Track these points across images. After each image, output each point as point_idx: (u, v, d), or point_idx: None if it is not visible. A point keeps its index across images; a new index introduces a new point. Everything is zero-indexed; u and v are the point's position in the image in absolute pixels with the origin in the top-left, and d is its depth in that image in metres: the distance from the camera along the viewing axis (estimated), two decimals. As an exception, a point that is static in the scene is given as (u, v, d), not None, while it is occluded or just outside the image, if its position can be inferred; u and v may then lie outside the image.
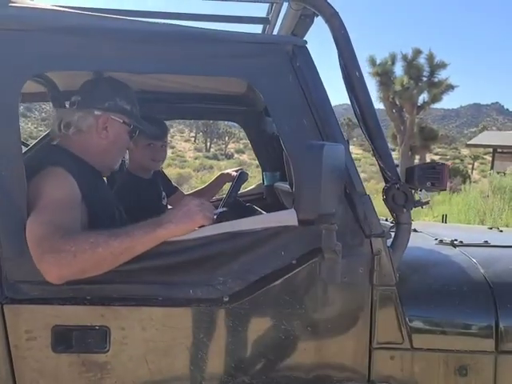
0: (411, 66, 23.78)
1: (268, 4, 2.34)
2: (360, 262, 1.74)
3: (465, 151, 55.68)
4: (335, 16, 1.77)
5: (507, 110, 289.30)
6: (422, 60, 24.12)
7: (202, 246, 1.71)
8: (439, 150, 60.86)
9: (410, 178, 1.80)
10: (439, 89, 23.83)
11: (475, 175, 29.61)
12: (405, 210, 1.77)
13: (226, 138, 57.89)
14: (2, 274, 1.68)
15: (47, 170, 1.74)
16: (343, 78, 1.82)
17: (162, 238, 1.64)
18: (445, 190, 1.83)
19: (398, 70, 24.51)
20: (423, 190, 1.79)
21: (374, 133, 1.81)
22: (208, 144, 62.34)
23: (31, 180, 1.70)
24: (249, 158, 41.95)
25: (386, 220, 2.73)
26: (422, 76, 23.85)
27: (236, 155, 46.19)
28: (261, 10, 2.46)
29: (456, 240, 2.21)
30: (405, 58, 24.04)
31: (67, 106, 2.21)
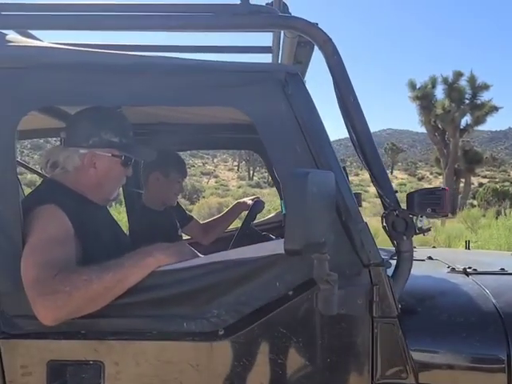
0: (452, 88, 23.51)
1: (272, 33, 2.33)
2: (358, 292, 1.67)
3: (515, 174, 54.26)
4: (328, 42, 1.74)
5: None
6: (463, 82, 23.82)
7: (195, 277, 1.68)
8: (487, 172, 59.47)
9: (411, 204, 1.73)
10: (482, 111, 23.43)
11: (525, 198, 28.60)
12: (405, 237, 1.70)
13: (270, 166, 58.00)
14: (-1, 308, 1.69)
15: (39, 208, 1.75)
16: (338, 104, 1.79)
17: (152, 266, 1.65)
18: (446, 215, 1.76)
19: (439, 93, 24.24)
20: (424, 217, 1.72)
21: (371, 158, 1.76)
22: (251, 172, 62.72)
23: (24, 217, 1.71)
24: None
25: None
26: (464, 98, 23.53)
27: (279, 183, 46.12)
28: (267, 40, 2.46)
29: (470, 267, 2.11)
30: (445, 80, 23.80)
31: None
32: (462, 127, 23.95)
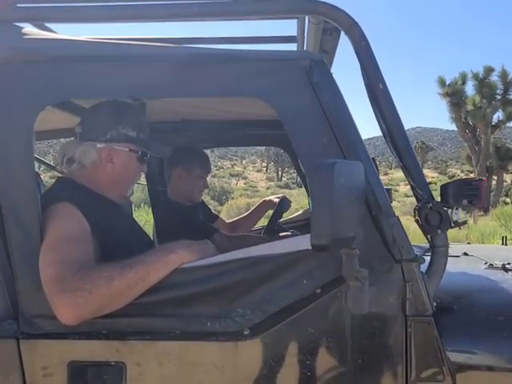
0: (483, 84, 23.09)
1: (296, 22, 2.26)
2: (390, 289, 1.58)
3: (548, 170, 53.03)
4: (354, 27, 1.66)
5: None
6: (494, 78, 23.39)
7: (219, 275, 1.62)
8: (519, 169, 58.27)
9: (445, 196, 1.64)
10: (514, 106, 22.97)
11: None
12: (439, 231, 1.61)
13: (299, 166, 57.99)
14: (17, 308, 1.65)
15: (54, 206, 1.71)
16: (367, 92, 1.70)
17: (175, 263, 1.60)
18: (483, 207, 1.66)
19: (470, 89, 23.88)
20: (459, 209, 1.62)
21: (402, 150, 1.67)
22: (279, 173, 62.68)
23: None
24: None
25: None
26: (496, 94, 23.10)
27: (308, 183, 46.05)
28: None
29: (509, 264, 2.00)
30: (476, 76, 23.39)
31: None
32: (493, 123, 23.51)
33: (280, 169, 63.01)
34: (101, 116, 1.91)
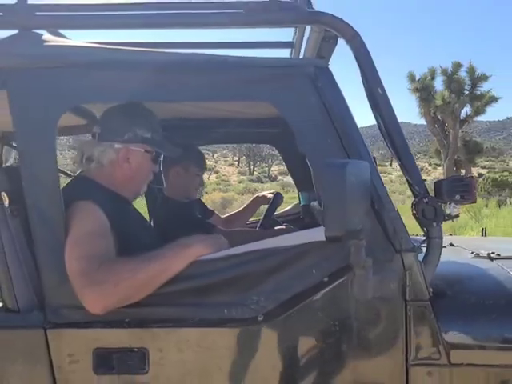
0: (452, 79, 23.58)
1: (293, 28, 2.39)
2: (392, 277, 1.74)
3: (514, 163, 54.34)
4: (356, 37, 1.80)
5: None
6: (462, 73, 23.90)
7: (235, 266, 1.75)
8: (486, 163, 59.58)
9: (439, 191, 1.80)
10: (482, 101, 23.50)
11: (526, 187, 28.74)
12: (435, 223, 1.77)
13: (269, 161, 58.20)
14: (44, 300, 1.76)
15: (76, 203, 1.81)
16: (367, 96, 1.85)
17: (192, 256, 1.73)
18: (474, 202, 1.83)
19: (439, 84, 24.33)
20: (452, 204, 1.79)
21: (400, 149, 1.82)
22: (251, 167, 62.82)
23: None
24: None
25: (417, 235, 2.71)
26: (464, 89, 23.59)
27: (280, 177, 46.35)
28: (287, 35, 2.52)
29: (493, 253, 2.18)
30: (444, 72, 23.87)
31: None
32: (461, 118, 24.05)
33: (252, 163, 63.23)
34: (118, 117, 2.02)
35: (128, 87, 1.80)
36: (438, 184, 1.82)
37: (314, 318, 1.75)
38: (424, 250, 1.81)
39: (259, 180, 48.91)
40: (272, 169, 59.70)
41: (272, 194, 3.30)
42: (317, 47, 2.15)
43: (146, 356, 1.74)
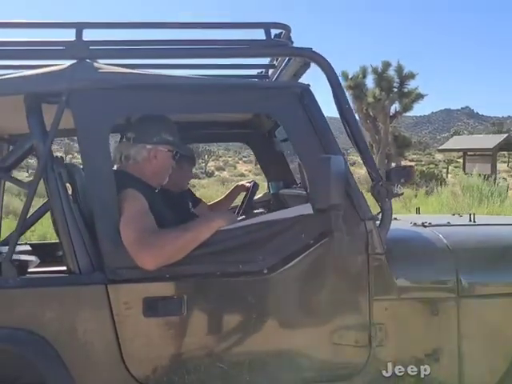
0: (382, 78, 24.74)
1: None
2: (358, 238, 2.42)
3: (439, 156, 56.97)
4: (330, 66, 2.47)
5: (477, 113, 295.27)
6: (391, 72, 25.10)
7: (245, 234, 2.39)
8: (414, 156, 62.05)
9: (389, 176, 2.51)
10: (409, 98, 24.81)
11: (450, 178, 30.64)
12: (387, 199, 2.48)
13: (206, 157, 58.48)
14: (104, 263, 2.34)
15: (125, 191, 2.40)
16: (337, 109, 2.54)
17: (215, 227, 2.34)
18: (413, 183, 2.56)
19: (370, 82, 25.45)
20: (398, 185, 2.51)
21: (361, 147, 2.53)
22: (188, 164, 62.62)
23: None
24: (229, 174, 42.67)
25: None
26: (393, 87, 24.81)
27: (217, 172, 46.85)
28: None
29: (426, 222, 2.93)
30: (375, 71, 25.01)
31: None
32: (391, 114, 25.29)
33: (188, 159, 63.18)
34: (148, 124, 2.64)
35: (162, 103, 2.42)
36: (388, 172, 2.54)
37: (305, 270, 2.42)
38: (379, 218, 2.52)
39: (196, 176, 49.13)
40: (209, 165, 60.11)
41: (250, 183, 3.95)
42: (295, 70, 2.83)
43: (183, 302, 2.34)
